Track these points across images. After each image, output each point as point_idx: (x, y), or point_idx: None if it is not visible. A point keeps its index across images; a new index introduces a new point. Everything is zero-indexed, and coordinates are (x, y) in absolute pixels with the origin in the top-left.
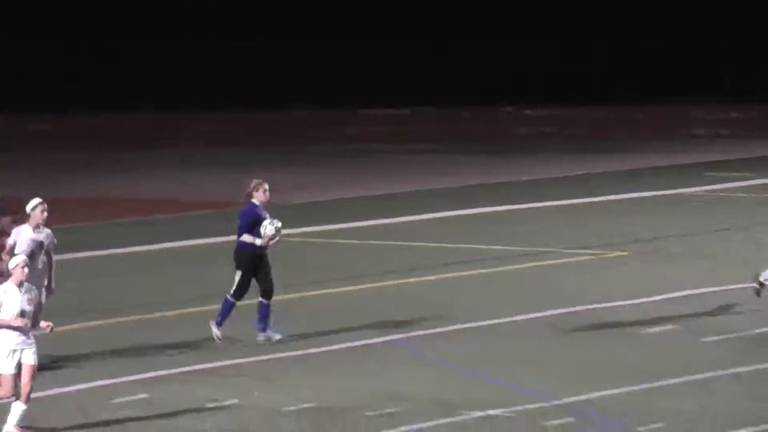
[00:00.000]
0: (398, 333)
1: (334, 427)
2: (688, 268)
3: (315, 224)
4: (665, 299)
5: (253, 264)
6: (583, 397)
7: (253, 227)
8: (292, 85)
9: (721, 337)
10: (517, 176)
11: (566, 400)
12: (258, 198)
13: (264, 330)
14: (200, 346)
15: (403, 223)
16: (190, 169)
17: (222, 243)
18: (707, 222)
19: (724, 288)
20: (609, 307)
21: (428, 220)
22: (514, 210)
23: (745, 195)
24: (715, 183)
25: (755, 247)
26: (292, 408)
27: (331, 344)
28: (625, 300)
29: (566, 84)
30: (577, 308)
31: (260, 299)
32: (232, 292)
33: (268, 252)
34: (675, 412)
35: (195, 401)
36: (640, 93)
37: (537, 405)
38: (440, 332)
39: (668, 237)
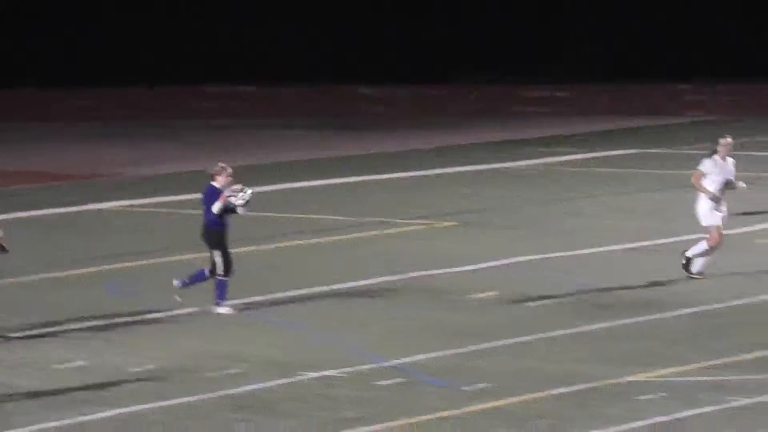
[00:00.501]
0: (241, 298)
1: (176, 387)
2: (513, 237)
3: (161, 195)
4: (491, 266)
5: (225, 238)
6: (412, 359)
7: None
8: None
9: (541, 303)
10: (359, 150)
11: (396, 361)
12: (219, 182)
13: (221, 300)
14: (50, 308)
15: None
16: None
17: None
18: (533, 194)
19: (546, 256)
20: (438, 273)
21: (273, 191)
22: (350, 182)
23: (570, 169)
24: (542, 157)
25: (576, 217)
26: (137, 369)
27: (175, 309)
28: (453, 267)
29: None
30: (409, 275)
31: (213, 275)
32: (222, 272)
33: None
34: (497, 372)
35: (44, 361)
36: (474, 73)
37: (369, 366)
38: (281, 297)
39: (495, 209)
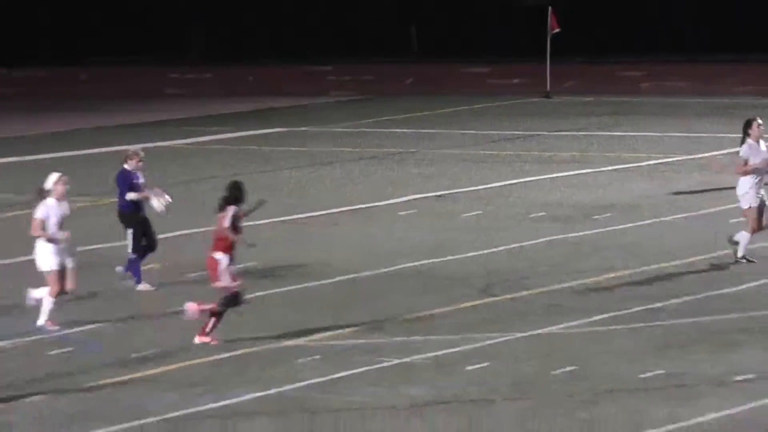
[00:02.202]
0: None
1: None
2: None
3: None
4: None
5: (136, 220)
6: (81, 329)
7: (130, 190)
8: None
9: (199, 273)
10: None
11: (69, 330)
12: (130, 165)
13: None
14: None
15: None
16: None
17: None
18: (182, 172)
19: (196, 231)
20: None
21: None
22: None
23: (221, 147)
24: (192, 136)
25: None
26: None
27: None
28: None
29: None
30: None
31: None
32: (130, 251)
33: None
34: (161, 340)
35: None
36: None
37: (38, 337)
38: None
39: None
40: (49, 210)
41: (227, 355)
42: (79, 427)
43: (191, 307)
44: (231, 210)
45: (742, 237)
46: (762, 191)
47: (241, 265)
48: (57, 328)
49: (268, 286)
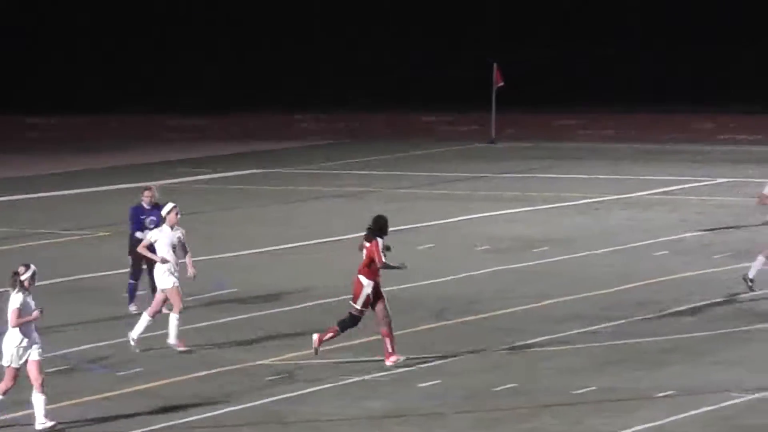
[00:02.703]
0: None
1: None
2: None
3: None
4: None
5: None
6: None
7: (137, 224)
8: None
9: (192, 298)
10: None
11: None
12: (145, 201)
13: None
14: None
15: None
16: None
17: None
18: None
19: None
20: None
21: None
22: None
23: (205, 186)
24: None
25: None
26: None
27: None
28: (105, 271)
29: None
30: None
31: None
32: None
33: None
34: (148, 358)
35: None
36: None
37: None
38: None
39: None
40: (161, 235)
41: (207, 372)
42: None
43: (316, 337)
44: (380, 242)
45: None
46: None
47: (226, 291)
48: (184, 348)
49: (249, 309)
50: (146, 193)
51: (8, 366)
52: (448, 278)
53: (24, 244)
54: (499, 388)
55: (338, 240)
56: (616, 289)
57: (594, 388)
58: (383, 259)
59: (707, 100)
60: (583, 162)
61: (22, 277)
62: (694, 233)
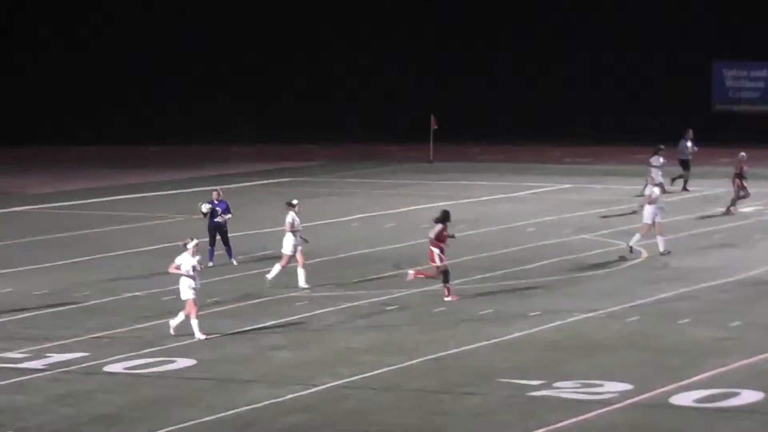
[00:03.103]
0: None
1: None
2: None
3: None
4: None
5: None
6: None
7: (212, 212)
8: None
9: None
10: None
11: None
12: (214, 196)
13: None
14: None
15: None
16: None
17: None
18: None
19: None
20: None
21: None
22: None
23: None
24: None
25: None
26: None
27: None
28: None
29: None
30: None
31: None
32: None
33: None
34: None
35: None
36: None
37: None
38: None
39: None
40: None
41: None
42: None
43: (411, 272)
44: (440, 226)
45: None
46: None
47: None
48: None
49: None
50: (214, 194)
51: (186, 299)
52: (404, 244)
53: (148, 223)
54: (435, 310)
55: (338, 221)
56: (502, 251)
57: (491, 310)
58: (437, 235)
59: (554, 135)
60: (483, 174)
61: (188, 246)
62: (550, 218)
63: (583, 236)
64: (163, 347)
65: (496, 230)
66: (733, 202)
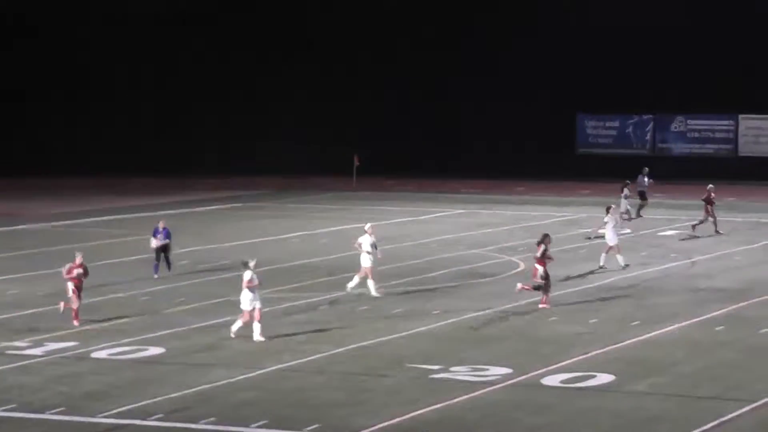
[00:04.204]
0: None
1: None
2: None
3: None
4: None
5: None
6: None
7: None
8: None
9: None
10: None
11: None
12: None
13: None
14: None
15: None
16: None
17: None
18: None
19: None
20: None
21: None
22: None
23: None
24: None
25: None
26: None
27: None
28: None
29: None
30: None
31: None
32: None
33: None
34: None
35: None
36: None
37: None
38: None
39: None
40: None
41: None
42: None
43: (519, 285)
44: (542, 247)
45: None
46: None
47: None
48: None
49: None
50: (160, 223)
51: (244, 311)
52: (338, 255)
53: (131, 238)
54: (359, 309)
55: (287, 237)
56: (411, 262)
57: (402, 309)
58: (542, 255)
59: (453, 170)
60: (395, 201)
61: (250, 264)
62: (449, 236)
63: (474, 251)
64: (139, 338)
65: (406, 245)
66: (716, 224)
